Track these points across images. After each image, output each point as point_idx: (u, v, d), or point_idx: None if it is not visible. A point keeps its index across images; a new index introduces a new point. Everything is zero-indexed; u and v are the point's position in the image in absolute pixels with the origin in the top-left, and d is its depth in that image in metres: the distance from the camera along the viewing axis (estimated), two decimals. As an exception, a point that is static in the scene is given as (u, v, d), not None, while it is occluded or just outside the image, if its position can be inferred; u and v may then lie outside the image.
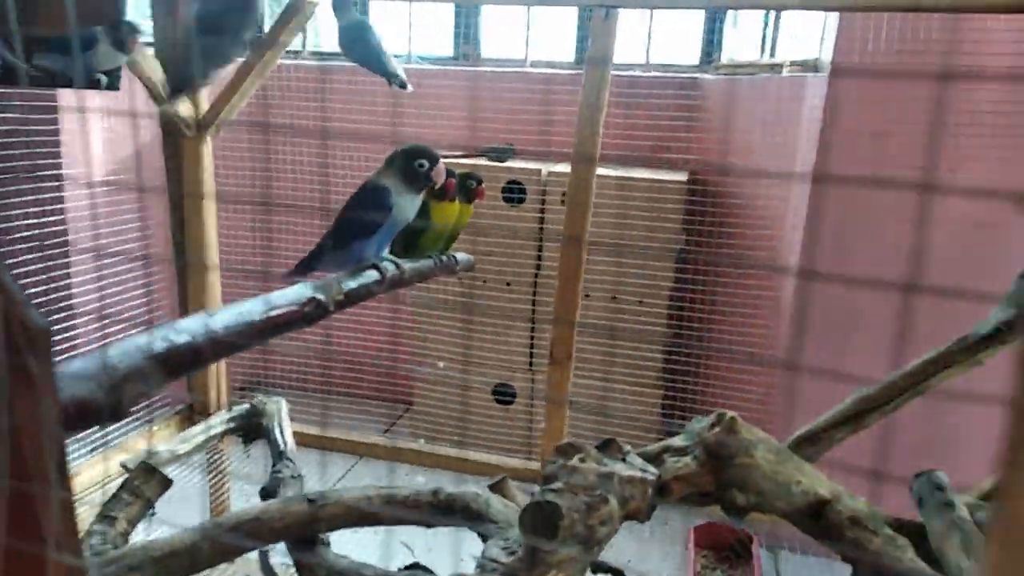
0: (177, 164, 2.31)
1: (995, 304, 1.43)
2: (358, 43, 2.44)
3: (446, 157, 3.13)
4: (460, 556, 2.10)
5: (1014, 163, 2.21)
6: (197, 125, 2.23)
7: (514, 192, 2.93)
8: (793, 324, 2.51)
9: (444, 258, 1.50)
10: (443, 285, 3.05)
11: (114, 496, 1.42)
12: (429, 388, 3.18)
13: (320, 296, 0.96)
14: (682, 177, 2.85)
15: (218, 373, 2.38)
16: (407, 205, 1.22)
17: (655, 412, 2.91)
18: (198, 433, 1.93)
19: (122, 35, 1.55)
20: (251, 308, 0.84)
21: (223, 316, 0.78)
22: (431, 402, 3.18)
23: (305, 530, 1.56)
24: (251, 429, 1.98)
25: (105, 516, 1.38)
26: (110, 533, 1.38)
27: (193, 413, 2.34)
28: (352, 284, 1.09)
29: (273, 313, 0.86)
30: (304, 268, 1.28)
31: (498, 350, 3.05)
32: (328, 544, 1.66)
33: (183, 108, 2.21)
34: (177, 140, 2.26)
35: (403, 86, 2.85)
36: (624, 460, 1.38)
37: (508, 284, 2.98)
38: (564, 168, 2.95)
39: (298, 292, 0.94)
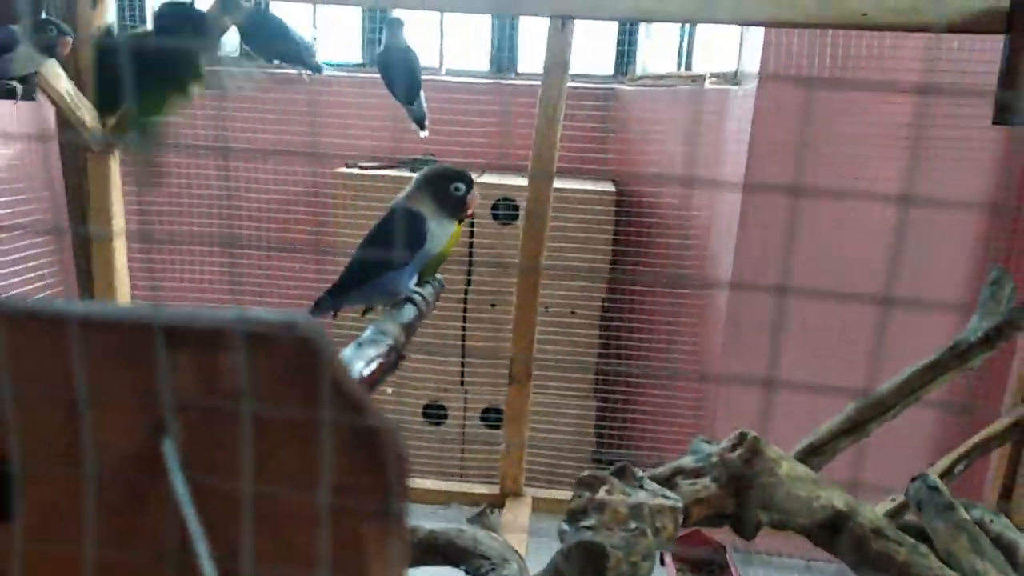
0: (78, 184, 2.05)
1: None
2: (260, 31, 2.27)
3: (363, 168, 2.98)
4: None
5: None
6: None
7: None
8: (727, 334, 2.56)
9: (436, 283, 1.39)
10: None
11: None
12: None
13: (391, 342, 0.85)
14: (610, 188, 2.86)
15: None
16: (441, 233, 1.11)
17: (589, 426, 2.90)
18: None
19: (49, 36, 1.33)
20: (350, 366, 0.71)
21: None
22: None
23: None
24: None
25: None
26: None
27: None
28: (403, 322, 0.98)
29: (371, 368, 0.74)
30: (328, 306, 1.13)
31: (426, 369, 2.93)
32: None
33: (88, 117, 1.96)
34: (79, 155, 2.01)
35: (317, 70, 2.67)
36: (642, 487, 1.34)
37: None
38: (492, 179, 2.88)
39: (372, 341, 0.82)
